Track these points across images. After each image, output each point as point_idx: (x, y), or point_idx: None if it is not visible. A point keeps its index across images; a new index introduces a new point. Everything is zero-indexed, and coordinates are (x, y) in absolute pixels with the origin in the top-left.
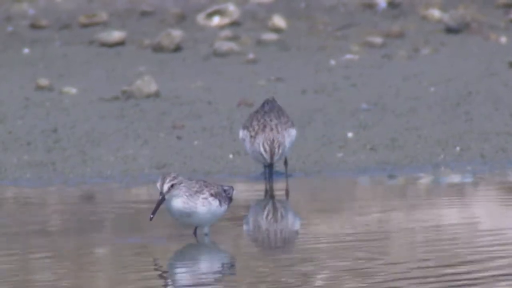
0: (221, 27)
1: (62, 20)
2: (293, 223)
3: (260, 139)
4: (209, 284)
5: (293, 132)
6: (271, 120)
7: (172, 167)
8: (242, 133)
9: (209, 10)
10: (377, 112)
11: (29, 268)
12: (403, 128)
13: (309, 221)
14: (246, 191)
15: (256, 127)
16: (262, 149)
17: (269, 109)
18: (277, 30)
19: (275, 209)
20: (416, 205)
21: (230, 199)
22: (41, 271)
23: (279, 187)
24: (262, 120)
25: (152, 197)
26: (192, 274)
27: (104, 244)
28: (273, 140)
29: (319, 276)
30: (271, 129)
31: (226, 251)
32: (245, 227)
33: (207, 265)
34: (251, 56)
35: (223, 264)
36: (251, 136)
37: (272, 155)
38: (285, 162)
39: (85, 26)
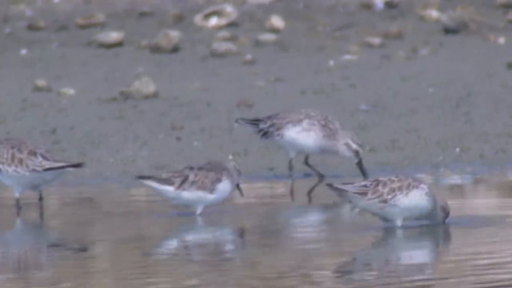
0: (219, 28)
1: (60, 21)
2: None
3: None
4: None
5: None
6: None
7: (171, 169)
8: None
9: (207, 11)
10: (376, 113)
11: None
12: (402, 129)
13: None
14: (248, 191)
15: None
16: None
17: None
18: (275, 30)
19: None
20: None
21: None
22: None
23: (280, 187)
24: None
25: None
26: None
27: None
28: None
29: None
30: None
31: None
32: None
33: None
34: (249, 56)
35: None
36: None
37: None
38: (290, 167)
39: (82, 27)
